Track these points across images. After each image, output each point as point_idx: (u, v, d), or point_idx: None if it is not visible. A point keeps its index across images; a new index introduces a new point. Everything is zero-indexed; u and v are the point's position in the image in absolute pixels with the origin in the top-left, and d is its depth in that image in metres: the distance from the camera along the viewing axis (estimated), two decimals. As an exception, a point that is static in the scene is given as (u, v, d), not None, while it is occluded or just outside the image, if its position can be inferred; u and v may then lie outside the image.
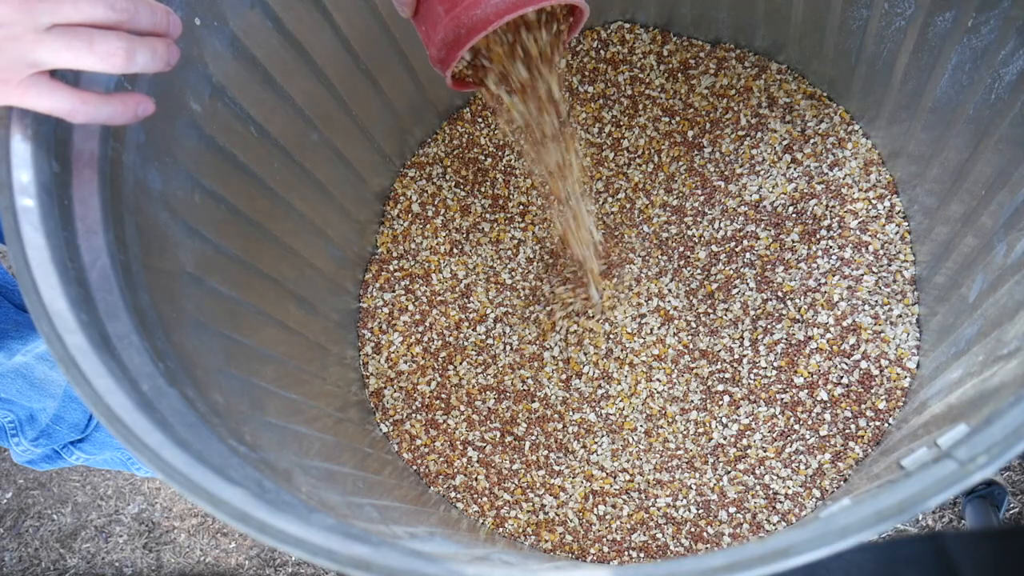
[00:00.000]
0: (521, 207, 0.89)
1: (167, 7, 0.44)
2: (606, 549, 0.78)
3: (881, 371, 0.76)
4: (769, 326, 0.79)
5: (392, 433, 0.85)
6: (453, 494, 0.82)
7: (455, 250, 0.89)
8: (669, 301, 0.83)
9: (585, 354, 0.83)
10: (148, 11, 0.42)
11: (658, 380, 0.81)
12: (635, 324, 0.83)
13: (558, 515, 0.80)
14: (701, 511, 0.77)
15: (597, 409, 0.82)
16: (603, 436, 0.81)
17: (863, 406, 0.76)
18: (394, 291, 0.89)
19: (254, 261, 0.70)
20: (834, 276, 0.79)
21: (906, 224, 0.80)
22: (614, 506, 0.79)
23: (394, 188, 0.92)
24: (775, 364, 0.78)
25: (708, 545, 0.77)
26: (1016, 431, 0.35)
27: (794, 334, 0.79)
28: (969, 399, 0.55)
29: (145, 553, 1.16)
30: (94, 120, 0.42)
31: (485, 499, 0.81)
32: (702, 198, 0.85)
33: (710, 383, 0.80)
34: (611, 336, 0.83)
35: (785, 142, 0.84)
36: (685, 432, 0.79)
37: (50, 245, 0.43)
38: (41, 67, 0.39)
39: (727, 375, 0.80)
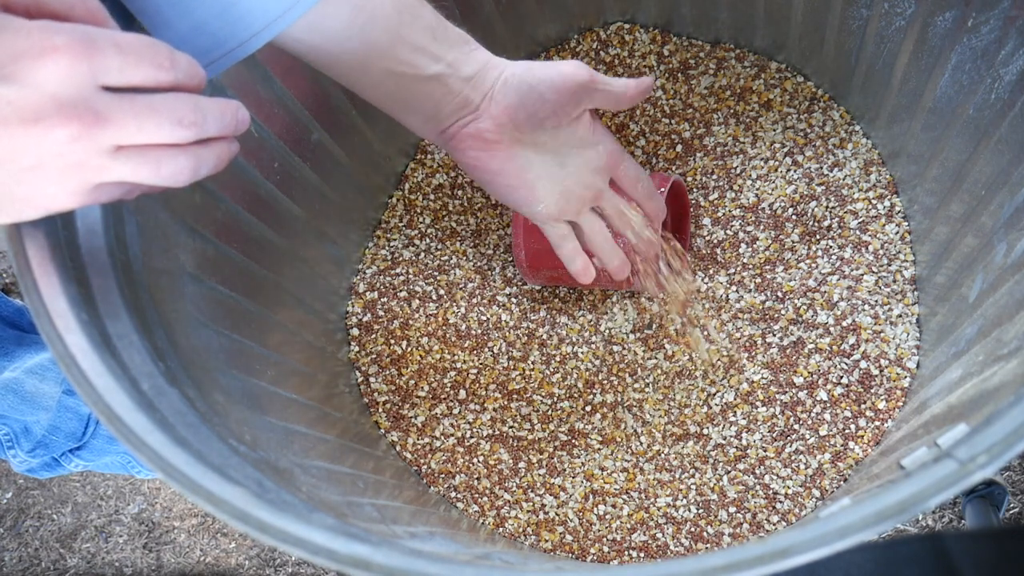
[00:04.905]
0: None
1: (237, 102, 0.40)
2: (606, 549, 0.78)
3: (881, 371, 0.76)
4: (768, 326, 0.79)
5: (392, 433, 0.85)
6: (453, 494, 0.82)
7: (456, 249, 0.89)
8: (669, 301, 0.83)
9: (586, 356, 0.83)
10: (217, 116, 0.38)
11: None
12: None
13: (558, 515, 0.80)
14: (701, 511, 0.77)
15: (597, 409, 0.82)
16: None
17: (863, 406, 0.76)
18: (395, 290, 0.89)
19: (254, 261, 0.70)
20: (834, 276, 0.79)
21: (906, 224, 0.80)
22: (614, 506, 0.79)
23: (395, 188, 0.92)
24: (774, 364, 0.78)
25: (708, 545, 0.77)
26: (1016, 431, 0.35)
27: (793, 334, 0.79)
28: (969, 399, 0.55)
29: (145, 553, 1.16)
30: (151, 191, 0.40)
31: (485, 499, 0.81)
32: (701, 199, 0.85)
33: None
34: (612, 338, 0.83)
35: (785, 143, 0.84)
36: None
37: (50, 245, 0.43)
38: (103, 182, 0.37)
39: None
